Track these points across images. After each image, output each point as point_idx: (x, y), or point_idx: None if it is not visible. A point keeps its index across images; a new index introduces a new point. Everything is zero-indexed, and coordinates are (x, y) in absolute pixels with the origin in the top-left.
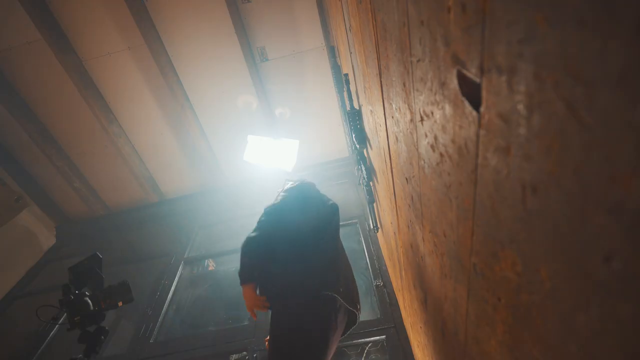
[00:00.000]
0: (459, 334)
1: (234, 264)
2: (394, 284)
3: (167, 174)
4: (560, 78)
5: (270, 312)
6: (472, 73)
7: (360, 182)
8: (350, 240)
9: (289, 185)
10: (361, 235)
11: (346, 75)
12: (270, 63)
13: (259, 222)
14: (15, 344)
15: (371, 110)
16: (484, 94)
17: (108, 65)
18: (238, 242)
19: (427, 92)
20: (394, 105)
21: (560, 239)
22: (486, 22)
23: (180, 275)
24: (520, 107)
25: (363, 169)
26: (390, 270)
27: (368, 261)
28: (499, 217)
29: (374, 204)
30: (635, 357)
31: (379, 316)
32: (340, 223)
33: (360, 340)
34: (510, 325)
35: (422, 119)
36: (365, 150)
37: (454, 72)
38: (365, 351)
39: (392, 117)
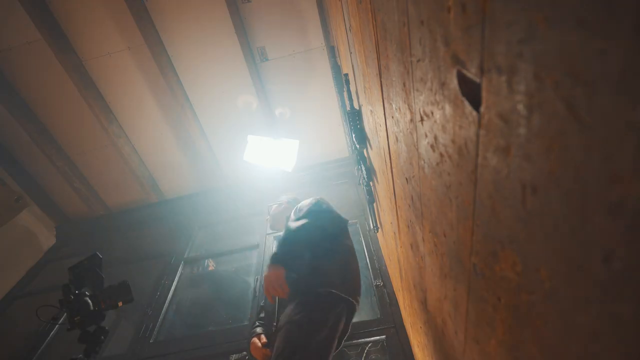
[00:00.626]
0: (459, 334)
1: (234, 264)
2: (394, 284)
3: (167, 174)
4: (560, 78)
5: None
6: (472, 73)
7: (360, 182)
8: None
9: (307, 203)
10: (361, 235)
11: (346, 75)
12: (270, 63)
13: (306, 213)
14: (15, 344)
15: (371, 110)
16: (484, 94)
17: (108, 65)
18: (238, 242)
19: (427, 92)
20: (394, 105)
21: (560, 239)
22: (486, 22)
23: (180, 275)
24: (520, 107)
25: (363, 169)
26: (390, 270)
27: (368, 261)
28: (499, 217)
29: (374, 204)
30: (635, 357)
31: (379, 316)
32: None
33: (360, 340)
34: (510, 325)
35: (422, 119)
36: (365, 150)
37: (454, 72)
38: (365, 351)
39: (392, 117)
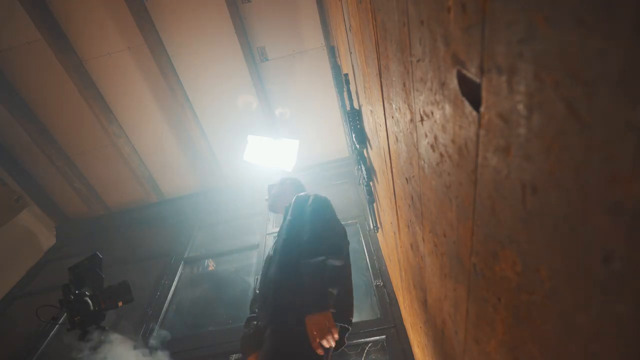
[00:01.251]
0: (459, 334)
1: (234, 264)
2: (394, 284)
3: (167, 174)
4: (560, 78)
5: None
6: (472, 73)
7: (360, 182)
8: (350, 240)
9: (302, 195)
10: (361, 235)
11: (346, 75)
12: (270, 63)
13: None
14: (15, 344)
15: (371, 110)
16: (484, 94)
17: (108, 65)
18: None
19: (427, 92)
20: (394, 105)
21: (560, 239)
22: (486, 22)
23: (180, 275)
24: (520, 107)
25: (363, 169)
26: (390, 270)
27: (368, 261)
28: (499, 217)
29: (374, 204)
30: (635, 357)
31: (379, 316)
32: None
33: (360, 340)
34: (510, 325)
35: (422, 119)
36: (365, 150)
37: (454, 72)
38: (365, 351)
39: (392, 117)
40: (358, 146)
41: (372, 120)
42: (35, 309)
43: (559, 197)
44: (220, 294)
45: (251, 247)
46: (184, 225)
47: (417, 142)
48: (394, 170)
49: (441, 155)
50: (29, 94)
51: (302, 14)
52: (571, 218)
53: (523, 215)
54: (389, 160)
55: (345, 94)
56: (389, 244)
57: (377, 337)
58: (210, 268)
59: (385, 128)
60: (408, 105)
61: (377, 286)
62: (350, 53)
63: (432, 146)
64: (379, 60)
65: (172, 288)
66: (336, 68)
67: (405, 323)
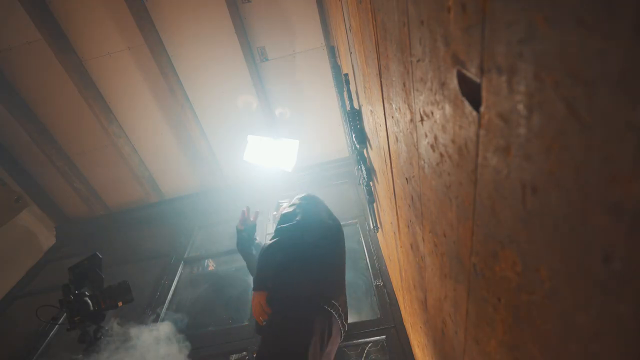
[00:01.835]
0: (459, 334)
1: (234, 264)
2: (394, 284)
3: (167, 174)
4: (560, 78)
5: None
6: (472, 73)
7: (360, 182)
8: (350, 240)
9: (298, 197)
10: (361, 235)
11: (346, 75)
12: (270, 63)
13: (277, 230)
14: (15, 344)
15: (371, 110)
16: (484, 94)
17: (108, 65)
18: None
19: (427, 92)
20: (394, 105)
21: (560, 239)
22: (486, 22)
23: (180, 275)
24: (520, 107)
25: (363, 169)
26: (390, 270)
27: (368, 261)
28: (499, 217)
29: (374, 204)
30: (635, 357)
31: (379, 316)
32: (341, 223)
33: (360, 340)
34: (510, 325)
35: (422, 119)
36: (365, 150)
37: (454, 72)
38: (365, 351)
39: (392, 117)
40: (358, 146)
41: (372, 120)
42: (35, 309)
43: (559, 197)
44: (220, 294)
45: None
46: (184, 225)
47: (417, 142)
48: (394, 170)
49: (441, 155)
50: (29, 94)
51: (302, 14)
52: (571, 218)
53: (523, 215)
54: (389, 160)
55: (345, 94)
56: (389, 244)
57: (377, 337)
58: (210, 268)
59: (385, 128)
60: (408, 105)
61: (377, 286)
62: (350, 53)
63: (432, 146)
64: (379, 60)
65: (172, 288)
66: (336, 68)
67: (405, 323)
